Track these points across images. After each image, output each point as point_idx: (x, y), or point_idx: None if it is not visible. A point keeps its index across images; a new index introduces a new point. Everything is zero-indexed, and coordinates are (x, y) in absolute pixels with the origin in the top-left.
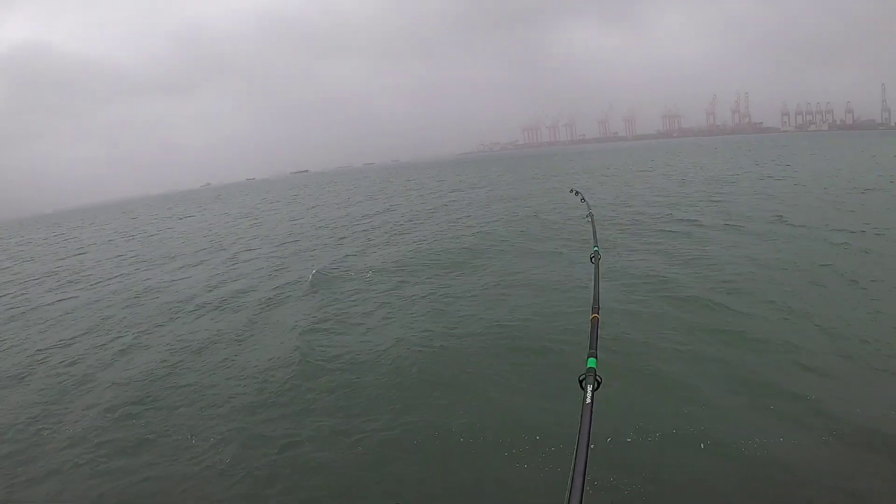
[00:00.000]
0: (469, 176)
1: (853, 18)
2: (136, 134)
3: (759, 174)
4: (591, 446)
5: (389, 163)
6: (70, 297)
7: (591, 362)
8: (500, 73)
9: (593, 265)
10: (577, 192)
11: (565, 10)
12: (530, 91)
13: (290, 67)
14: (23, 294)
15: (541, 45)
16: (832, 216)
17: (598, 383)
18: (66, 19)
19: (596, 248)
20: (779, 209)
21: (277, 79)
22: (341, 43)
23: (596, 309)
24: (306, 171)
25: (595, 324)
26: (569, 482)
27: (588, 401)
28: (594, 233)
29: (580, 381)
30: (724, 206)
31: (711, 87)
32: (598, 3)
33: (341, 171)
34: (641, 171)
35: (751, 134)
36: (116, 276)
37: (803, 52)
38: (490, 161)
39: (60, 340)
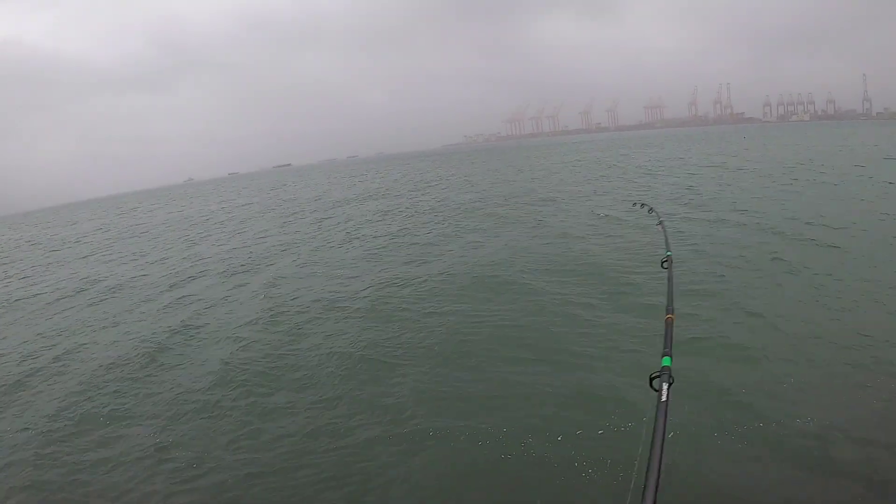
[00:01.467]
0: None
1: (832, 9)
2: (114, 130)
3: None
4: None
5: (374, 155)
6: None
7: (666, 361)
8: (479, 64)
9: (666, 270)
10: (643, 205)
11: (540, 3)
12: (512, 83)
13: (268, 60)
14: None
15: (518, 38)
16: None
17: (671, 382)
18: (40, 16)
19: (669, 253)
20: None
21: (255, 72)
22: (317, 35)
23: (670, 310)
24: (289, 164)
25: (670, 324)
26: (643, 479)
27: (664, 398)
28: (666, 239)
29: (651, 380)
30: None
31: (693, 79)
32: None
33: (325, 164)
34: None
35: (733, 124)
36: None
37: (783, 43)
38: (464, 154)
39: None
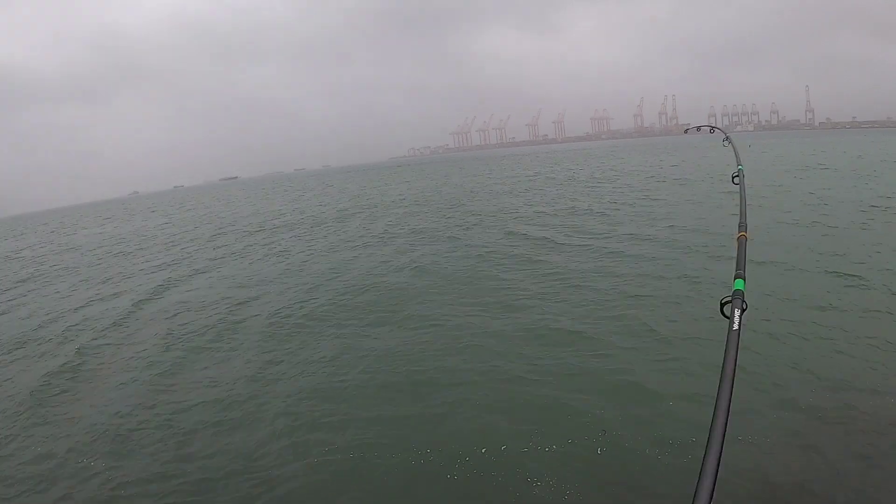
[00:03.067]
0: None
1: (774, 23)
2: (54, 142)
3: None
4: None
5: (320, 168)
6: None
7: (739, 283)
8: (423, 78)
9: (737, 185)
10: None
11: (480, 16)
12: (458, 97)
13: (208, 73)
14: None
15: (462, 51)
16: None
17: (745, 308)
18: None
19: (740, 167)
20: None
21: (196, 85)
22: (257, 47)
23: (744, 227)
24: (236, 177)
25: (742, 243)
26: (711, 419)
27: (735, 326)
28: (736, 153)
29: (722, 305)
30: None
31: (639, 91)
32: (513, 9)
33: (271, 176)
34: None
35: (678, 136)
36: None
37: (726, 57)
38: (400, 168)
39: None
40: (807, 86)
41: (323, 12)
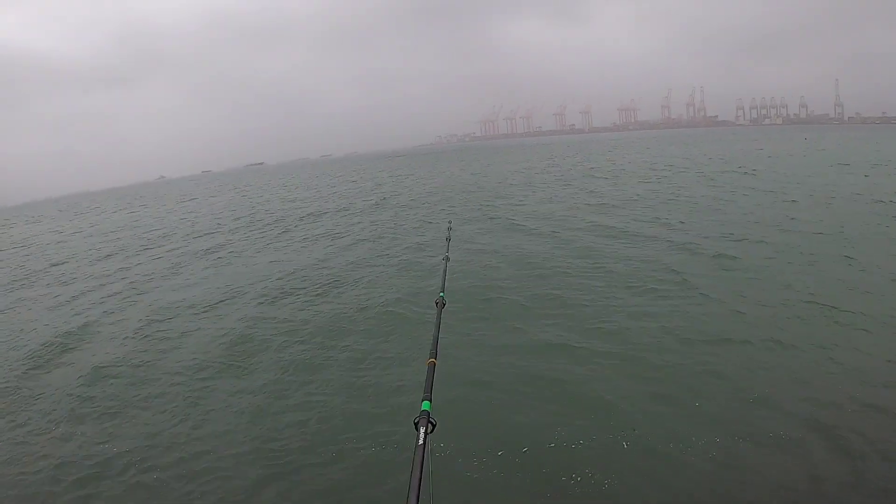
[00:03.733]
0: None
1: (805, 15)
2: (83, 128)
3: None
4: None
5: (346, 154)
6: None
7: (426, 405)
8: (448, 66)
9: (437, 309)
10: (449, 227)
11: (508, 6)
12: (484, 85)
13: (235, 61)
14: None
15: (488, 40)
16: None
17: (433, 425)
18: (5, 12)
19: (442, 294)
20: None
21: (223, 72)
22: (283, 35)
23: (434, 354)
24: (262, 163)
25: (431, 368)
26: None
27: (420, 441)
28: (444, 278)
29: (415, 424)
30: None
31: (666, 81)
32: None
33: (297, 162)
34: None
35: (705, 127)
36: None
37: (755, 48)
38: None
39: None
40: (836, 79)
41: (345, 2)
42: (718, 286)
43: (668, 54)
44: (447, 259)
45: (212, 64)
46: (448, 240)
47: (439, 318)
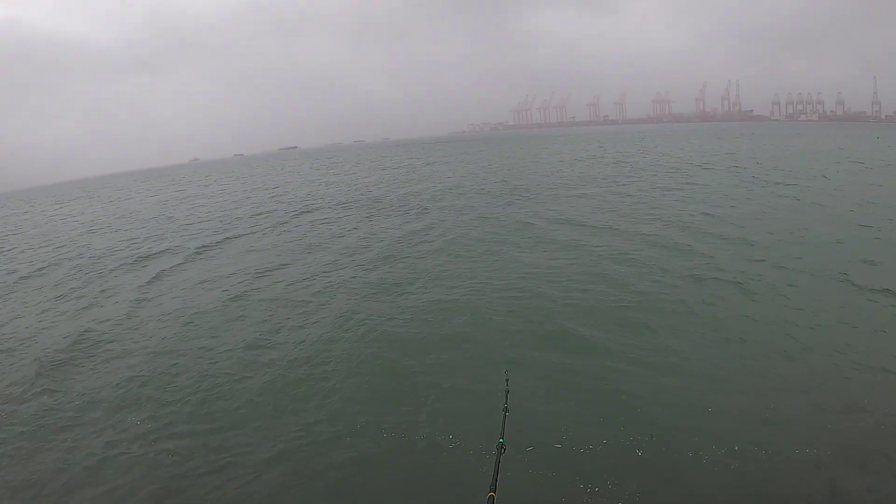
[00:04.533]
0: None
1: (838, 11)
2: (115, 111)
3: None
4: None
5: (379, 141)
6: None
7: None
8: (480, 55)
9: (496, 453)
10: (506, 378)
11: None
12: (516, 74)
13: (266, 47)
14: None
15: (519, 29)
16: None
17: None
18: None
19: (501, 441)
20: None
21: (255, 58)
22: (315, 21)
23: (493, 487)
24: (295, 147)
25: (490, 501)
26: None
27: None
28: (503, 427)
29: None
30: None
31: (700, 74)
32: None
33: (330, 147)
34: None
35: (741, 122)
36: None
37: (792, 42)
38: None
39: None
40: (874, 76)
41: None
42: None
43: (701, 47)
44: (506, 410)
45: (242, 49)
46: (507, 391)
47: (498, 459)
